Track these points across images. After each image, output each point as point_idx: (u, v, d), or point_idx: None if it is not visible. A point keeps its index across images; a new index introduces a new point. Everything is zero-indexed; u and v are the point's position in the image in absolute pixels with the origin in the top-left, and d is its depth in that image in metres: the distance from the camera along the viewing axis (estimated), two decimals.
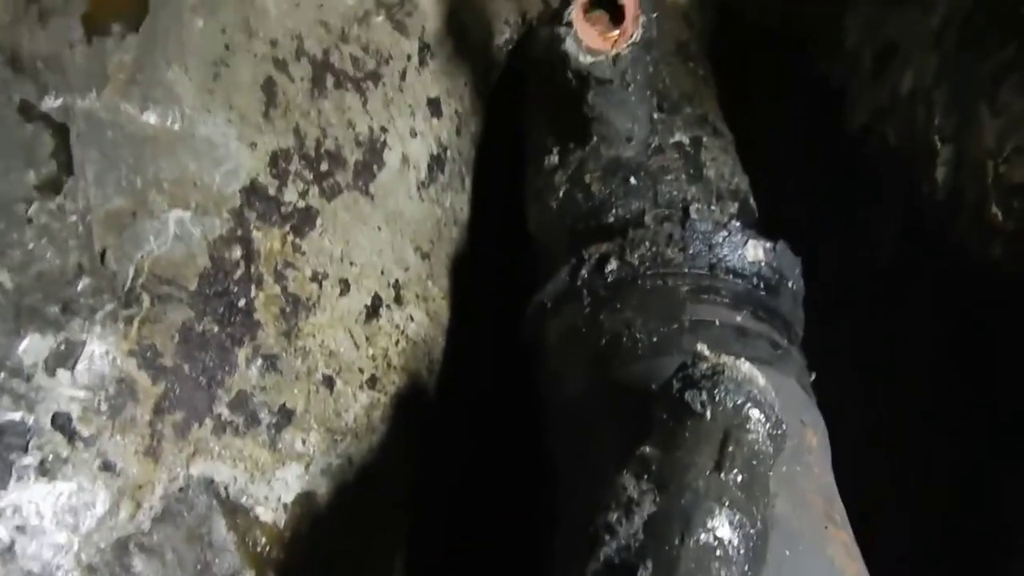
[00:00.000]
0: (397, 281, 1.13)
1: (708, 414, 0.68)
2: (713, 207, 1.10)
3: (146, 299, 0.83)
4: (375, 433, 1.04)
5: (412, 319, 1.15)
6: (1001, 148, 0.96)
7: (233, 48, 1.02)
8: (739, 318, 0.94)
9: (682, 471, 0.63)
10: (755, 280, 0.98)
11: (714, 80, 1.47)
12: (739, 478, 0.64)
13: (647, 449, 0.67)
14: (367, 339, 1.05)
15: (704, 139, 1.21)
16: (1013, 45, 0.97)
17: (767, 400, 0.70)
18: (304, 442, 0.93)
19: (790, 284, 1.01)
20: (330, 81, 1.12)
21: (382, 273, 1.11)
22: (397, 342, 1.10)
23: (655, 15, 1.08)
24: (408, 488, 1.11)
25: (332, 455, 0.96)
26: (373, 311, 1.08)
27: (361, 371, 1.03)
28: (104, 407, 0.77)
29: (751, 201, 1.18)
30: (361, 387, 1.03)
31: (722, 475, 0.64)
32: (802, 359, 0.99)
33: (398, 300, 1.12)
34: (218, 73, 0.99)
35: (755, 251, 0.99)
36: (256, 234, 0.95)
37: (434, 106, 1.32)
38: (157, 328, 0.83)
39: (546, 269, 1.16)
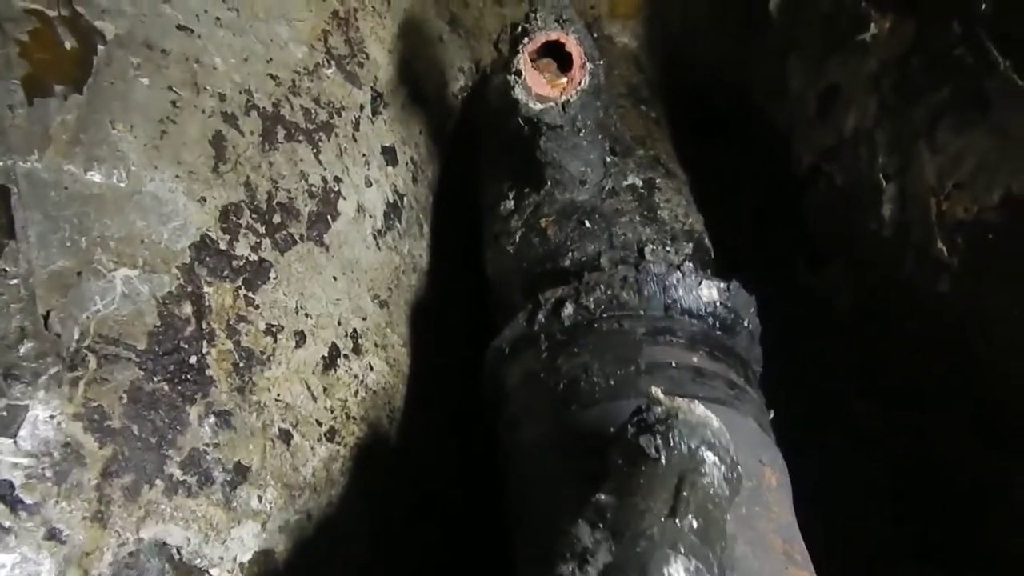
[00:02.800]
0: (355, 330, 1.12)
1: (663, 459, 0.67)
2: (668, 248, 1.11)
3: (92, 360, 0.82)
4: (335, 486, 1.02)
5: (371, 368, 1.14)
6: (943, 185, 0.98)
7: (180, 104, 1.02)
8: (695, 359, 0.94)
9: (637, 518, 0.63)
10: (711, 320, 0.99)
11: (667, 122, 1.50)
12: (695, 523, 0.63)
13: (602, 496, 0.67)
14: (325, 390, 1.04)
15: (657, 181, 1.23)
16: (947, 87, 0.99)
17: (722, 443, 0.70)
18: (260, 499, 0.91)
19: (746, 323, 1.02)
20: (281, 133, 1.12)
21: (339, 323, 1.10)
22: (356, 392, 1.09)
23: (602, 61, 1.10)
24: (370, 542, 1.09)
25: (290, 511, 0.94)
26: (331, 362, 1.07)
27: (319, 423, 1.02)
28: (49, 473, 0.75)
29: (706, 241, 1.19)
30: (319, 440, 1.01)
31: (677, 521, 0.63)
32: (760, 398, 1.00)
33: (356, 350, 1.11)
34: (165, 130, 0.99)
35: (709, 291, 0.99)
36: (207, 289, 0.94)
37: (389, 154, 1.33)
38: (104, 389, 0.82)
39: (504, 314, 1.16)
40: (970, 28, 1.00)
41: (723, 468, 0.68)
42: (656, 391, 0.74)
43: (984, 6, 0.99)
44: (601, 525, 0.63)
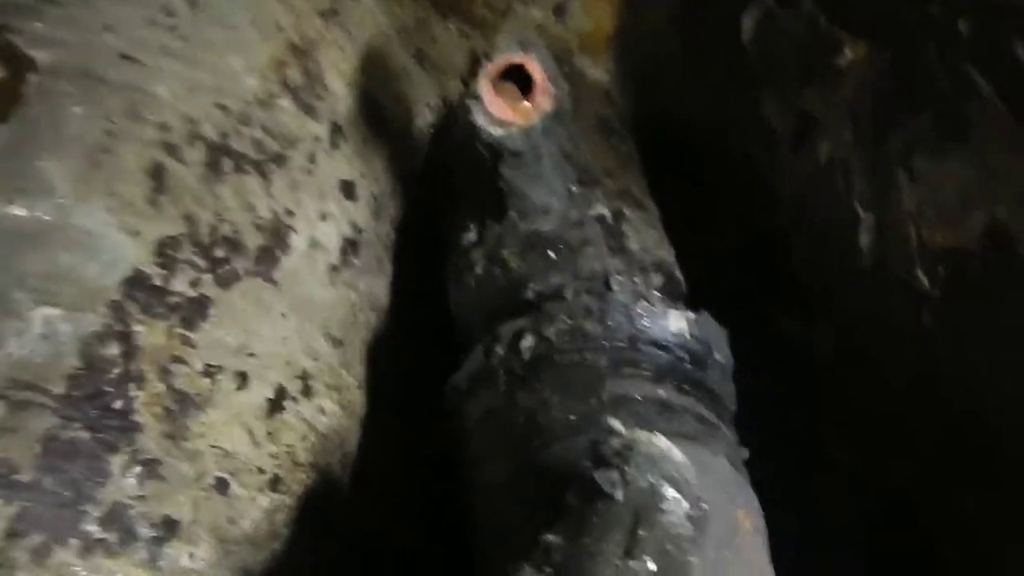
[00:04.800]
0: (305, 371, 1.05)
1: (618, 495, 0.61)
2: (636, 279, 1.05)
3: (1, 408, 0.75)
4: (278, 540, 0.94)
5: (323, 411, 1.06)
6: (921, 214, 0.94)
7: (116, 134, 0.97)
8: (662, 392, 0.88)
9: (588, 561, 0.56)
10: (679, 352, 0.93)
11: (639, 157, 1.46)
12: (651, 566, 0.56)
13: (550, 537, 0.60)
14: (269, 435, 0.97)
15: (626, 211, 1.18)
16: (925, 113, 0.96)
17: (685, 478, 0.63)
18: (192, 556, 0.83)
19: (717, 356, 0.96)
20: (228, 165, 1.07)
21: (287, 364, 1.03)
22: (304, 437, 1.02)
23: (565, 87, 1.06)
24: None
25: (224, 568, 0.86)
26: (276, 405, 0.99)
27: (262, 471, 0.94)
28: None
29: (677, 273, 1.14)
30: (261, 489, 0.93)
31: (632, 563, 0.56)
32: (733, 435, 0.93)
33: (306, 392, 1.04)
34: (98, 161, 0.93)
35: (677, 321, 0.94)
36: (138, 328, 0.88)
37: (348, 188, 1.27)
38: (14, 440, 0.74)
39: (466, 351, 1.10)
40: (948, 52, 0.96)
41: (686, 506, 0.61)
42: (615, 423, 0.68)
43: (965, 28, 0.95)
44: (548, 569, 0.56)
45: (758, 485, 0.91)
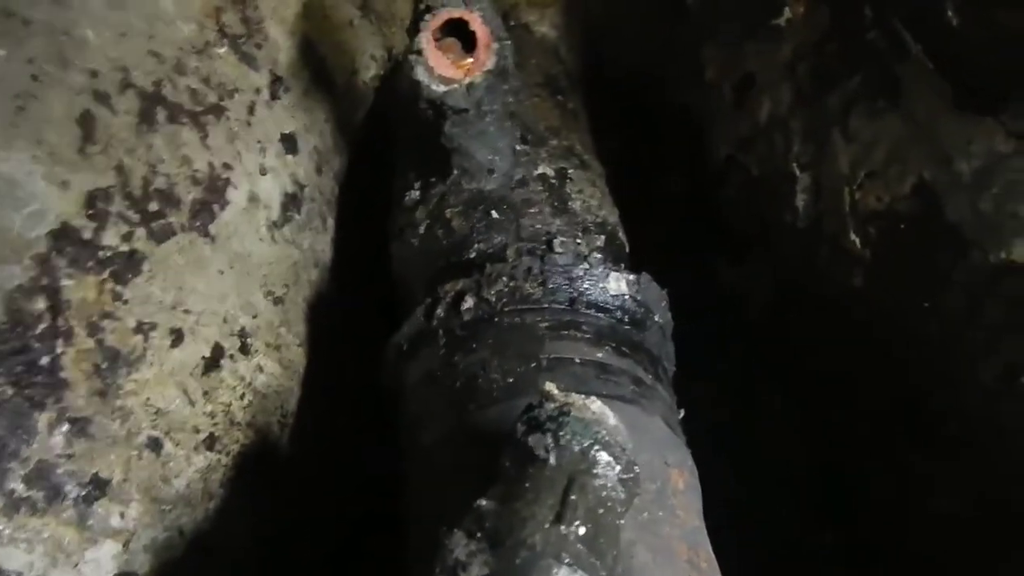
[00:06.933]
0: (243, 329, 1.04)
1: (551, 459, 0.61)
2: (579, 240, 1.05)
3: None
4: (213, 499, 0.93)
5: (261, 369, 1.05)
6: (855, 175, 0.95)
7: (42, 79, 0.92)
8: (600, 354, 0.89)
9: (519, 525, 0.56)
10: (619, 314, 0.93)
11: (585, 114, 1.45)
12: (582, 530, 0.57)
13: (483, 503, 0.60)
14: (205, 394, 0.95)
15: (570, 171, 1.17)
16: (860, 73, 0.96)
17: (618, 441, 0.64)
18: (123, 515, 0.82)
19: (656, 318, 0.97)
20: (162, 115, 1.03)
21: (225, 321, 1.01)
22: (242, 396, 1.00)
23: (508, 42, 1.04)
24: (255, 560, 1.01)
25: (158, 528, 0.85)
26: (213, 363, 0.98)
27: (197, 430, 0.93)
28: None
29: (620, 234, 1.14)
30: (196, 448, 0.92)
31: (563, 527, 0.57)
32: (670, 396, 0.94)
33: (244, 349, 1.03)
34: (22, 106, 0.89)
35: (618, 284, 0.94)
36: (66, 283, 0.85)
37: (289, 142, 1.24)
38: None
39: (406, 311, 1.09)
40: (883, 11, 0.97)
41: (618, 469, 0.62)
42: (550, 387, 0.68)
43: None
44: (479, 535, 0.57)
45: (695, 433, 0.93)
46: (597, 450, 0.62)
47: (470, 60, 1.06)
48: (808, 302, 1.17)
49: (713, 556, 0.77)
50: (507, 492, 0.60)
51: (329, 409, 1.22)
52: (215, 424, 0.95)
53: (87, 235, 0.89)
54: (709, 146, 1.25)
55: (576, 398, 0.66)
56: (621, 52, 1.57)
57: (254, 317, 1.06)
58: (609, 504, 0.60)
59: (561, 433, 0.62)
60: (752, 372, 1.38)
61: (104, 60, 0.99)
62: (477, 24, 1.04)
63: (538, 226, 1.06)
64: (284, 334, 1.12)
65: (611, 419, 0.65)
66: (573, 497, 0.59)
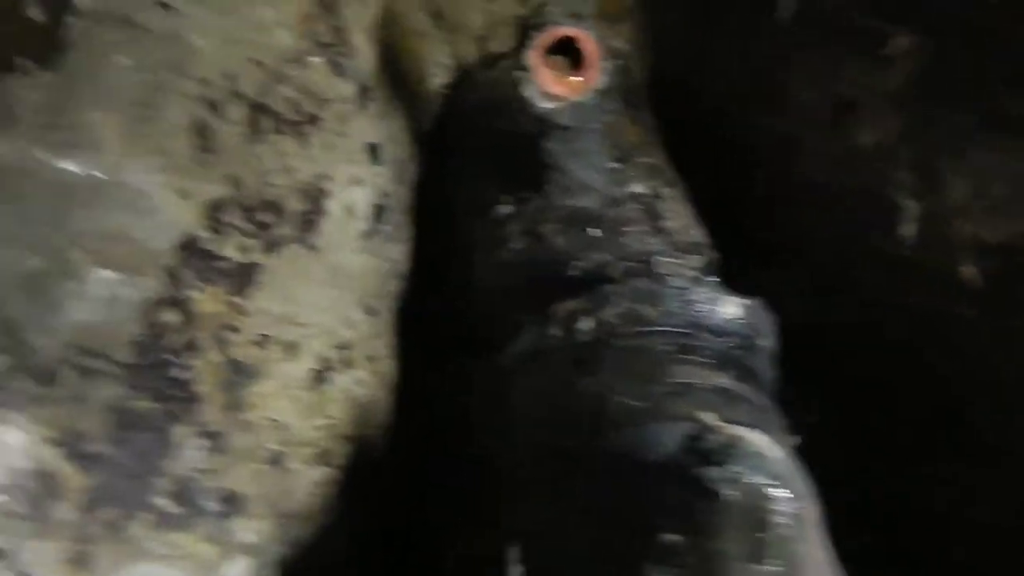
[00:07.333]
0: (345, 341, 1.03)
1: (732, 495, 0.62)
2: (679, 260, 1.06)
3: (69, 375, 0.72)
4: (323, 514, 0.93)
5: (361, 382, 1.05)
6: (970, 206, 0.96)
7: (161, 88, 0.92)
8: (722, 380, 0.89)
9: (719, 565, 0.57)
10: (734, 339, 0.94)
11: (656, 129, 1.45)
12: (777, 570, 0.57)
13: (668, 536, 0.60)
14: (316, 407, 0.95)
15: (661, 190, 1.18)
16: (976, 105, 0.97)
17: (789, 474, 0.64)
18: (257, 531, 0.82)
19: (764, 343, 0.97)
20: (267, 125, 1.03)
21: (328, 333, 1.01)
22: (347, 409, 1.00)
23: (621, 62, 1.04)
24: (353, 573, 1.01)
25: (283, 544, 0.85)
26: (320, 376, 0.98)
27: (310, 444, 0.93)
28: (21, 509, 0.65)
29: (712, 254, 1.15)
30: (311, 462, 0.92)
31: (757, 567, 0.57)
32: (782, 422, 0.95)
33: (346, 362, 1.03)
34: (145, 115, 0.89)
35: (733, 308, 0.94)
36: (195, 295, 0.85)
37: (375, 152, 1.24)
38: (84, 409, 0.71)
39: (497, 327, 1.09)
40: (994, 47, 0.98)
41: (796, 503, 0.63)
42: (709, 416, 0.69)
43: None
44: (678, 570, 0.57)
45: None
46: (776, 485, 0.62)
47: (576, 78, 1.06)
48: (850, 311, 1.18)
49: None
50: (691, 527, 0.61)
51: (407, 419, 1.22)
52: (325, 437, 0.95)
53: (209, 246, 0.89)
54: (796, 165, 1.25)
55: (741, 430, 0.66)
56: (689, 68, 1.57)
57: (353, 329, 1.06)
58: (791, 540, 0.61)
59: (737, 468, 0.63)
60: (787, 376, 1.38)
61: (214, 68, 0.99)
62: (588, 43, 1.04)
63: (638, 246, 1.07)
64: (378, 346, 1.11)
65: (778, 451, 0.66)
66: (761, 535, 0.59)
